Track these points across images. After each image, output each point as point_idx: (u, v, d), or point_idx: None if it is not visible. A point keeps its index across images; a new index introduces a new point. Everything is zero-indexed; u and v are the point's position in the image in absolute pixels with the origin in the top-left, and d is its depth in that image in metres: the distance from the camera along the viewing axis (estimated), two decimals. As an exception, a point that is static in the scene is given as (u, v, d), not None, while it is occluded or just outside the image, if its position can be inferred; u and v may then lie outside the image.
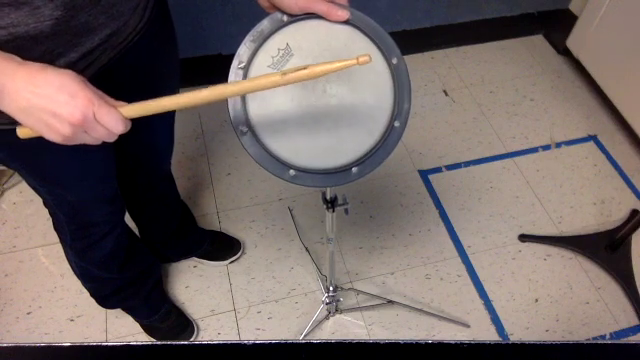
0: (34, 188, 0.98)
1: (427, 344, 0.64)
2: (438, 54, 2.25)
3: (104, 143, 0.62)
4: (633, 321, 1.52)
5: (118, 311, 1.46)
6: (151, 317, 1.43)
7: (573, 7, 2.32)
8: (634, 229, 1.55)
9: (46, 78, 0.56)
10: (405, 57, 0.71)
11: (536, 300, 1.55)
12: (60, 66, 0.59)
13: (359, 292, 1.55)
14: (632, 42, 1.80)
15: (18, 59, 0.58)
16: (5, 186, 1.74)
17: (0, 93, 0.56)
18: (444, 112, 2.03)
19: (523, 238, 1.68)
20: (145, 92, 0.66)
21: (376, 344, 0.65)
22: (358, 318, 1.51)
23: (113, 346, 0.64)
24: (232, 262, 1.60)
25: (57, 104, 0.56)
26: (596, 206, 1.77)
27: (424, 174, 1.84)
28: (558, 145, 1.94)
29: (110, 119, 0.58)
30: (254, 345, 0.64)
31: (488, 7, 2.25)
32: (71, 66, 0.72)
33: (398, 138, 0.72)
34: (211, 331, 1.49)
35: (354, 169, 0.72)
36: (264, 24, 0.70)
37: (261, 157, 0.71)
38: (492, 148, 1.92)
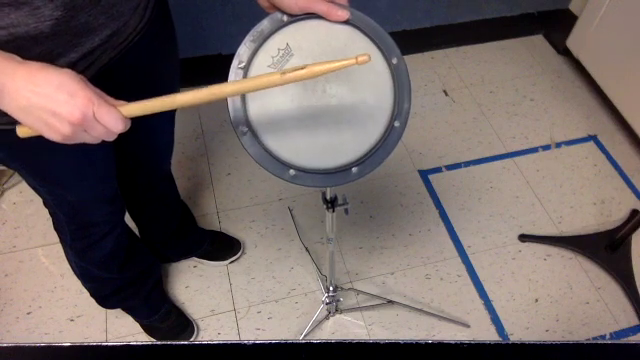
0: (34, 188, 0.98)
1: (427, 344, 0.64)
2: (438, 54, 2.25)
3: (104, 142, 0.62)
4: (633, 321, 1.52)
5: (118, 311, 1.46)
6: (151, 317, 1.43)
7: (573, 7, 2.32)
8: (634, 229, 1.55)
9: (46, 77, 0.56)
10: (405, 57, 0.71)
11: (536, 300, 1.55)
12: (60, 66, 0.59)
13: (359, 292, 1.55)
14: (632, 42, 1.80)
15: (18, 58, 0.58)
16: (5, 186, 1.74)
17: (0, 92, 0.56)
18: (444, 112, 2.03)
19: (523, 238, 1.68)
20: (145, 92, 0.66)
21: (376, 344, 0.65)
22: (358, 318, 1.51)
23: (113, 346, 0.64)
24: (232, 262, 1.60)
25: (57, 103, 0.56)
26: (596, 206, 1.77)
27: (424, 174, 1.84)
28: (558, 145, 1.94)
29: (110, 118, 0.58)
30: (254, 345, 0.64)
31: (488, 7, 2.25)
32: (71, 66, 0.72)
33: (398, 138, 0.72)
34: (211, 331, 1.49)
35: (354, 169, 0.72)
36: (264, 24, 0.70)
37: (261, 157, 0.71)
38: (492, 148, 1.92)
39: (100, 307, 1.38)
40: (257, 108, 0.71)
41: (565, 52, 2.22)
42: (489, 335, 1.49)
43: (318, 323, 1.49)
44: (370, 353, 0.65)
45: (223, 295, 1.55)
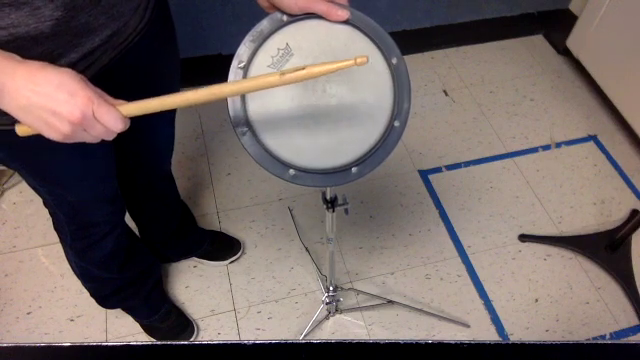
0: (34, 188, 0.98)
1: (427, 344, 0.64)
2: (438, 54, 2.25)
3: (103, 142, 0.63)
4: (633, 321, 1.52)
5: (118, 311, 1.46)
6: (151, 317, 1.43)
7: (573, 7, 2.32)
8: (634, 229, 1.55)
9: (46, 76, 0.56)
10: (405, 57, 0.71)
11: (536, 300, 1.55)
12: (60, 66, 0.59)
13: (359, 292, 1.55)
14: (632, 42, 1.80)
15: (18, 58, 0.58)
16: (5, 186, 1.74)
17: (0, 92, 0.56)
18: (444, 112, 2.03)
19: (523, 238, 1.68)
20: (145, 92, 0.66)
21: (376, 344, 0.65)
22: (358, 318, 1.51)
23: (113, 346, 0.64)
24: (232, 262, 1.60)
25: (57, 102, 0.56)
26: (596, 206, 1.77)
27: (424, 174, 1.84)
28: (558, 145, 1.94)
29: (109, 118, 0.58)
30: (254, 345, 0.64)
31: (488, 7, 2.25)
32: (71, 66, 0.71)
33: (398, 138, 0.72)
34: (211, 331, 1.49)
35: (354, 169, 0.72)
36: (264, 24, 0.70)
37: (261, 157, 0.71)
38: (492, 148, 1.92)
39: (100, 307, 1.38)
40: (257, 108, 0.71)
41: (565, 52, 2.22)
42: (489, 335, 1.49)
43: (318, 323, 1.49)
44: (370, 353, 0.65)
45: (223, 295, 1.55)
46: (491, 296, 1.56)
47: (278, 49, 0.70)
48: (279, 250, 1.64)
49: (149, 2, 0.84)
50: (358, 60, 0.58)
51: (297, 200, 1.75)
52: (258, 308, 1.52)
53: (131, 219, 1.38)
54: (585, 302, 1.56)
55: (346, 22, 0.70)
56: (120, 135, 0.61)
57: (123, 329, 1.48)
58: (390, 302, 1.49)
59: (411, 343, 0.64)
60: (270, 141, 0.71)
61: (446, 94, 2.10)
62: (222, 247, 1.60)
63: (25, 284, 1.55)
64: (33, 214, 1.68)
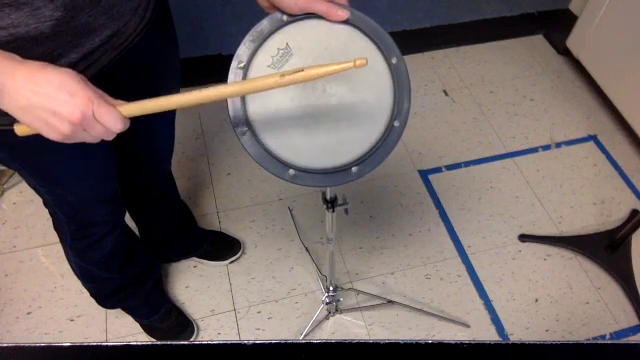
0: (34, 188, 0.98)
1: (427, 344, 0.64)
2: (438, 54, 2.25)
3: (103, 142, 0.63)
4: (633, 321, 1.52)
5: (118, 311, 1.46)
6: (151, 317, 1.43)
7: (573, 7, 2.32)
8: (634, 229, 1.55)
9: (46, 77, 0.56)
10: (405, 57, 0.71)
11: (536, 300, 1.55)
12: (60, 66, 0.59)
13: (359, 292, 1.55)
14: (632, 42, 1.80)
15: (18, 58, 0.58)
16: (5, 186, 1.74)
17: (0, 92, 0.56)
18: (444, 112, 2.03)
19: (523, 238, 1.68)
20: (145, 92, 0.66)
21: (376, 344, 0.65)
22: (358, 318, 1.51)
23: (113, 346, 0.64)
24: (232, 262, 1.60)
25: (57, 103, 0.56)
26: (596, 206, 1.77)
27: (424, 174, 1.84)
28: (558, 145, 1.94)
29: (109, 118, 0.58)
30: (254, 345, 0.64)
31: (488, 7, 2.25)
32: (71, 67, 0.71)
33: (398, 138, 0.72)
34: (211, 331, 1.49)
35: (354, 169, 0.72)
36: (263, 24, 0.70)
37: (261, 157, 0.71)
38: (492, 148, 1.92)
39: (100, 307, 1.38)
40: (257, 108, 0.71)
41: (565, 52, 2.22)
42: (489, 335, 1.49)
43: (318, 323, 1.49)
44: (370, 353, 0.65)
45: (223, 295, 1.55)
46: (491, 296, 1.56)
47: (278, 49, 0.70)
48: (279, 250, 1.64)
49: (149, 2, 0.83)
50: (357, 62, 0.58)
51: (297, 200, 1.75)
52: (258, 308, 1.52)
53: (131, 219, 1.38)
54: (585, 302, 1.56)
55: (346, 22, 0.70)
56: (120, 135, 0.62)
57: (123, 329, 1.48)
58: (390, 302, 1.49)
59: (411, 343, 0.64)
60: (270, 141, 0.71)
61: (446, 94, 2.10)
62: (222, 247, 1.60)
63: (25, 284, 1.55)
64: (33, 214, 1.68)
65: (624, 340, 1.15)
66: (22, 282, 1.55)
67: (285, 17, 0.70)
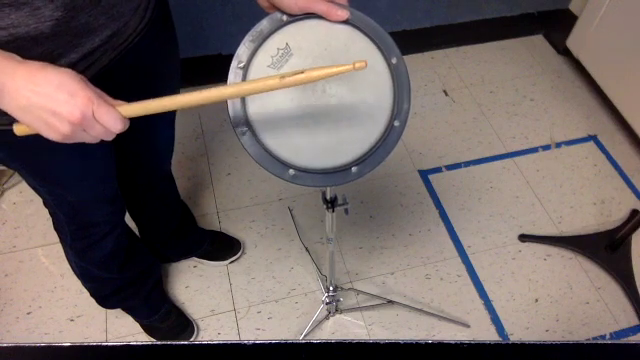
0: (34, 188, 0.98)
1: (427, 344, 0.64)
2: (438, 54, 2.25)
3: (103, 142, 0.63)
4: (633, 321, 1.52)
5: (118, 311, 1.46)
6: (151, 317, 1.43)
7: (573, 7, 2.32)
8: (634, 229, 1.55)
9: (46, 77, 0.56)
10: (405, 57, 0.71)
11: (536, 300, 1.55)
12: (60, 66, 0.59)
13: (359, 292, 1.55)
14: (632, 42, 1.80)
15: (18, 58, 0.58)
16: (5, 186, 1.74)
17: (0, 92, 0.56)
18: (444, 112, 2.03)
19: (523, 238, 1.68)
20: (145, 93, 0.66)
21: (376, 344, 0.65)
22: (358, 318, 1.51)
23: (113, 346, 0.64)
24: (232, 262, 1.60)
25: (57, 103, 0.56)
26: (596, 206, 1.77)
27: (424, 174, 1.84)
28: (558, 145, 1.94)
29: (109, 118, 0.58)
30: (254, 345, 0.64)
31: (488, 7, 2.25)
32: (71, 67, 0.71)
33: (398, 138, 0.72)
34: (211, 331, 1.49)
35: (354, 169, 0.72)
36: (263, 24, 0.70)
37: (261, 157, 0.71)
38: (492, 148, 1.92)
39: (100, 307, 1.38)
40: (257, 108, 0.71)
41: (565, 52, 2.22)
42: (489, 335, 1.49)
43: (318, 323, 1.49)
44: (370, 353, 0.65)
45: (223, 295, 1.55)
46: (491, 296, 1.56)
47: (278, 49, 0.70)
48: (279, 250, 1.64)
49: (149, 2, 0.83)
50: (357, 65, 0.58)
51: (297, 200, 1.75)
52: (258, 308, 1.52)
53: (131, 219, 1.38)
54: (585, 302, 1.56)
55: (346, 22, 0.70)
56: (120, 135, 0.62)
57: (123, 329, 1.48)
58: (390, 302, 1.49)
59: (411, 343, 0.64)
60: (270, 141, 0.71)
61: (446, 94, 2.10)
62: (222, 247, 1.60)
63: (25, 284, 1.55)
64: (33, 214, 1.68)
65: (624, 340, 1.15)
66: (22, 282, 1.55)
67: (285, 17, 0.70)
